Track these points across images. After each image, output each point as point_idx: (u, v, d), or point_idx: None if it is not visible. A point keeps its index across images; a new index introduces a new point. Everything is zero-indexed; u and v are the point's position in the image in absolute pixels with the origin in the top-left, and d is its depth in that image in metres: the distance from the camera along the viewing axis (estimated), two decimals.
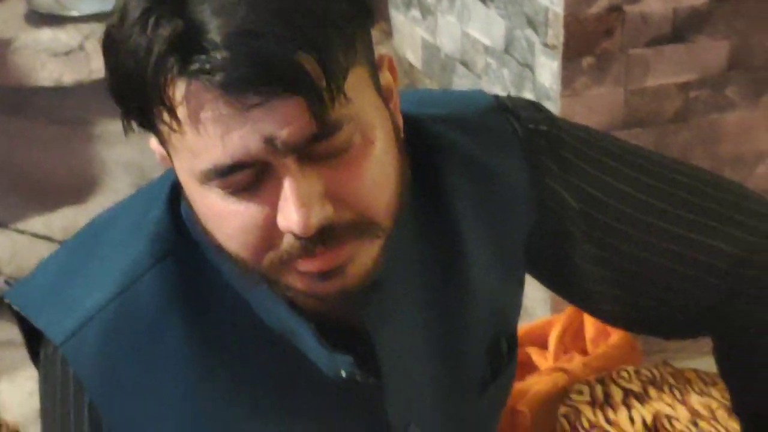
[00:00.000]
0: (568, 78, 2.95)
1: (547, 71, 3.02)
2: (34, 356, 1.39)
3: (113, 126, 2.90)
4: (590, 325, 2.42)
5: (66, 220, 2.99)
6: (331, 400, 1.36)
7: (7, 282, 3.01)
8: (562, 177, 1.44)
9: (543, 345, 2.38)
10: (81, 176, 2.96)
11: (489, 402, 1.54)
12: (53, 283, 1.35)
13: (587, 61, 3.00)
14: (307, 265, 1.19)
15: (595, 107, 2.97)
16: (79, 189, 2.98)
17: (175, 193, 1.32)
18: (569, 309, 2.48)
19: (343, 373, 1.31)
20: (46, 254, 2.95)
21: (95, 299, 1.29)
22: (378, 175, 1.22)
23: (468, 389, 1.48)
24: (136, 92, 1.14)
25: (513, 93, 3.12)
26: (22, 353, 2.98)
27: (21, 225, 3.00)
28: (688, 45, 3.04)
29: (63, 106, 2.88)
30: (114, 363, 1.29)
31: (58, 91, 2.87)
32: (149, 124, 1.17)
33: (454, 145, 1.40)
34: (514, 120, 1.41)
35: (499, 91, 3.23)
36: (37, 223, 3.01)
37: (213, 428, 1.33)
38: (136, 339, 1.29)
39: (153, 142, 1.24)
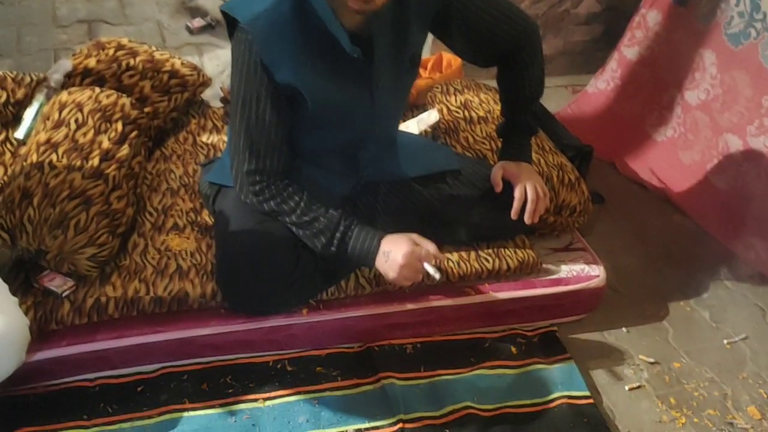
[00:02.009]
0: None
1: None
2: (230, 36, 1.33)
3: None
4: (445, 60, 2.34)
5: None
6: (347, 68, 1.34)
7: (210, 18, 2.95)
8: None
9: (424, 67, 2.34)
10: None
11: (407, 80, 1.49)
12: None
13: None
14: None
15: None
16: None
17: None
18: (437, 54, 2.38)
19: (355, 54, 1.29)
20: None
21: (264, 7, 1.26)
22: None
23: (402, 72, 1.43)
24: None
25: None
26: (215, 48, 2.91)
27: None
28: None
29: None
30: (270, 34, 1.27)
31: None
32: None
33: None
34: None
35: None
36: None
37: (302, 70, 1.31)
38: (278, 27, 1.27)
39: None
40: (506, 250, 1.72)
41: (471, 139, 1.94)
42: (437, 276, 1.40)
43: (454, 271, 1.65)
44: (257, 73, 1.30)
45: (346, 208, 1.55)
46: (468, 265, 1.67)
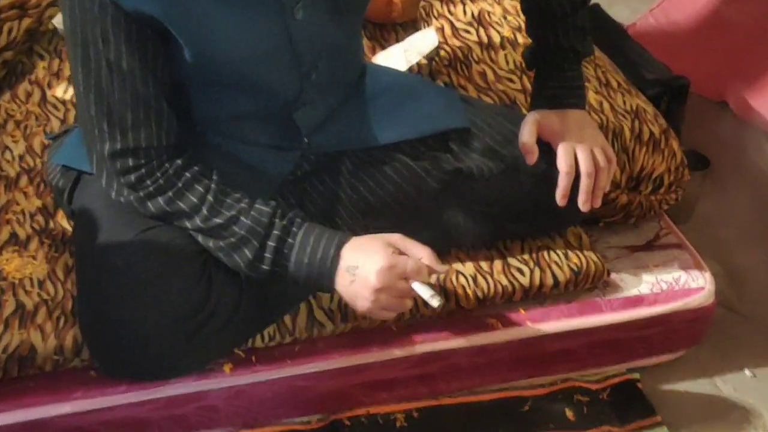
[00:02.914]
0: None
1: None
2: None
3: None
4: None
5: None
6: None
7: None
8: None
9: None
10: None
11: None
12: None
13: None
14: None
15: None
16: None
17: None
18: None
19: None
20: None
21: None
22: None
23: None
24: None
25: None
26: None
27: None
28: None
29: None
30: None
31: None
32: None
33: None
34: None
35: None
36: None
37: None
38: None
39: None
40: (551, 253, 1.73)
41: (491, 75, 1.95)
42: (435, 303, 1.38)
43: (468, 292, 1.66)
44: None
45: (289, 198, 1.54)
46: (490, 282, 1.68)
